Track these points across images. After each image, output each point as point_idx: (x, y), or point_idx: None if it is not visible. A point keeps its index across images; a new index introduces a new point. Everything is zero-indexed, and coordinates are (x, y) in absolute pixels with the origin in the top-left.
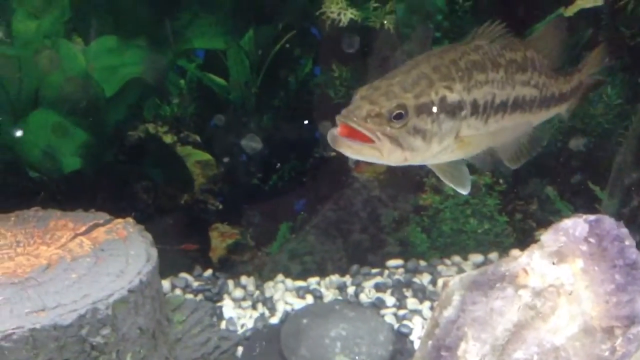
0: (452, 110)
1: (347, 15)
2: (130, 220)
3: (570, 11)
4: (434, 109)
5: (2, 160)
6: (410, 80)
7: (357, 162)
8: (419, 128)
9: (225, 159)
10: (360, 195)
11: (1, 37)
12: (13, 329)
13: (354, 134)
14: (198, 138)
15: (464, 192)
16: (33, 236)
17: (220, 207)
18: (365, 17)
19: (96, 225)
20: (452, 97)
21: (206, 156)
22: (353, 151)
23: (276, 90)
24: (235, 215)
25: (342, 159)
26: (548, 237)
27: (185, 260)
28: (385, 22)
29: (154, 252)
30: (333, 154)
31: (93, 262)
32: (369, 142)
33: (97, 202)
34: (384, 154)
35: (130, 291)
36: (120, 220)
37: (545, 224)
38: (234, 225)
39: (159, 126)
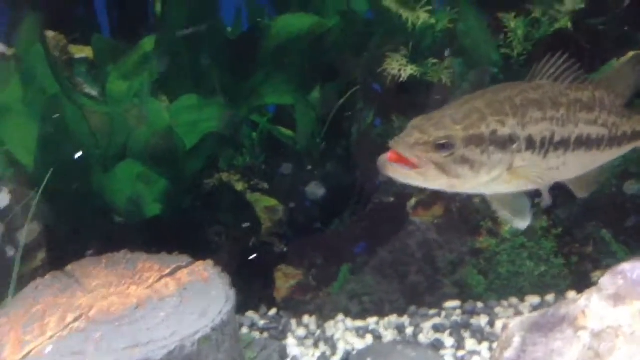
0: (503, 143)
1: (407, 71)
2: (209, 262)
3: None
4: (484, 141)
5: (93, 206)
6: (461, 114)
7: (415, 207)
8: (467, 158)
9: (291, 205)
10: (416, 238)
11: (96, 97)
12: None
13: (402, 160)
14: (266, 185)
15: (524, 223)
16: (124, 277)
17: (285, 249)
18: (424, 72)
19: (179, 267)
20: (504, 130)
21: (273, 202)
22: (399, 175)
23: (339, 140)
24: (299, 257)
25: (400, 204)
26: (606, 280)
27: (251, 299)
28: (442, 77)
29: (232, 292)
30: (391, 199)
31: (178, 302)
32: (415, 167)
33: (174, 245)
34: (428, 179)
35: (213, 329)
36: (200, 262)
37: (601, 266)
38: (298, 266)
39: (232, 175)
